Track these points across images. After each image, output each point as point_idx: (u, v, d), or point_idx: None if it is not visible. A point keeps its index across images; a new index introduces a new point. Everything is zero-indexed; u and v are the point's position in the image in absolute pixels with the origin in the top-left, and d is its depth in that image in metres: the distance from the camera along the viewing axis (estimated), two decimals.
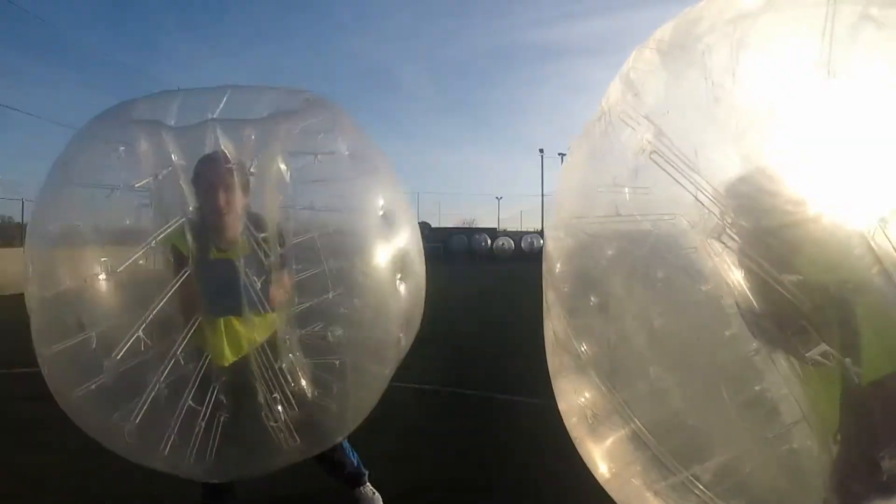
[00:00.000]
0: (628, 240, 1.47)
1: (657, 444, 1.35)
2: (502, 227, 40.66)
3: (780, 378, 1.26)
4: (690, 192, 1.25)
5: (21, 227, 13.78)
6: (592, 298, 1.56)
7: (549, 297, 1.75)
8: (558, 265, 1.71)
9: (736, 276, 1.22)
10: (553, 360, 1.76)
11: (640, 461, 1.42)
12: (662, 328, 1.43)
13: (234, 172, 1.86)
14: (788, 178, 1.18)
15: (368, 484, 2.44)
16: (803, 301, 1.08)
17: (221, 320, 1.84)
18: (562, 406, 1.72)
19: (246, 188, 1.91)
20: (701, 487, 1.30)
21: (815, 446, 1.24)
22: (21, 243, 12.74)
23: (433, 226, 36.18)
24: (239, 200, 1.89)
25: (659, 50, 1.49)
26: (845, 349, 1.08)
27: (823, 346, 1.06)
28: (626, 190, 1.43)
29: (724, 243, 1.23)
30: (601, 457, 1.58)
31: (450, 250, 32.35)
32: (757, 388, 1.28)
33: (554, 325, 1.72)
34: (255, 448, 1.86)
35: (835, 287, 1.09)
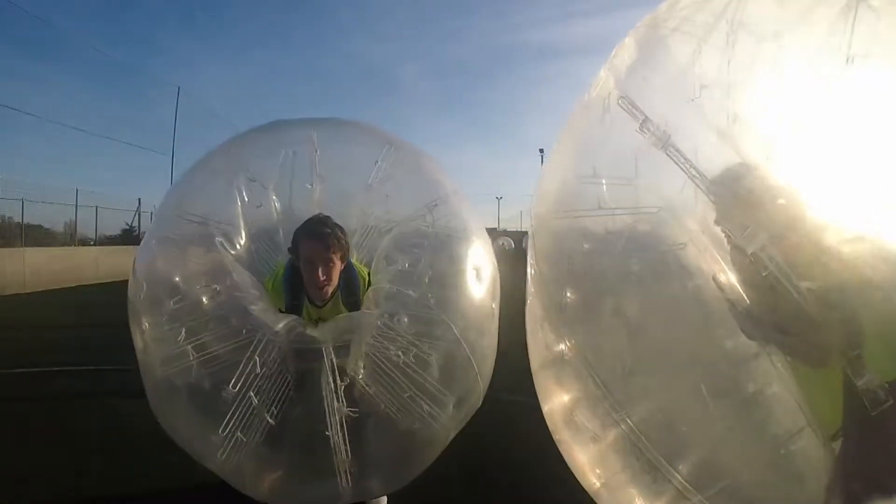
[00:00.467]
0: (608, 233, 1.40)
1: (650, 447, 1.28)
2: (502, 227, 40.66)
3: (778, 380, 1.21)
4: (695, 183, 1.20)
5: (21, 227, 13.74)
6: (569, 294, 1.48)
7: (529, 292, 1.68)
8: (538, 259, 1.64)
9: (730, 276, 1.18)
10: (535, 357, 1.69)
11: (630, 468, 1.34)
12: (646, 326, 1.37)
13: (334, 249, 1.94)
14: (786, 173, 1.12)
15: None
16: (808, 303, 1.04)
17: None
18: (545, 408, 1.65)
19: (344, 257, 2.00)
20: (696, 494, 1.23)
21: (811, 448, 1.21)
22: (21, 243, 12.77)
23: None
24: (337, 270, 1.97)
25: (637, 36, 1.44)
26: (848, 350, 1.05)
27: (872, 376, 1.01)
28: (604, 181, 1.37)
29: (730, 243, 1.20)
30: (589, 464, 1.50)
31: None
32: (752, 389, 1.24)
33: (534, 321, 1.66)
34: (306, 451, 1.85)
35: (839, 288, 1.05)
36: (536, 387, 1.69)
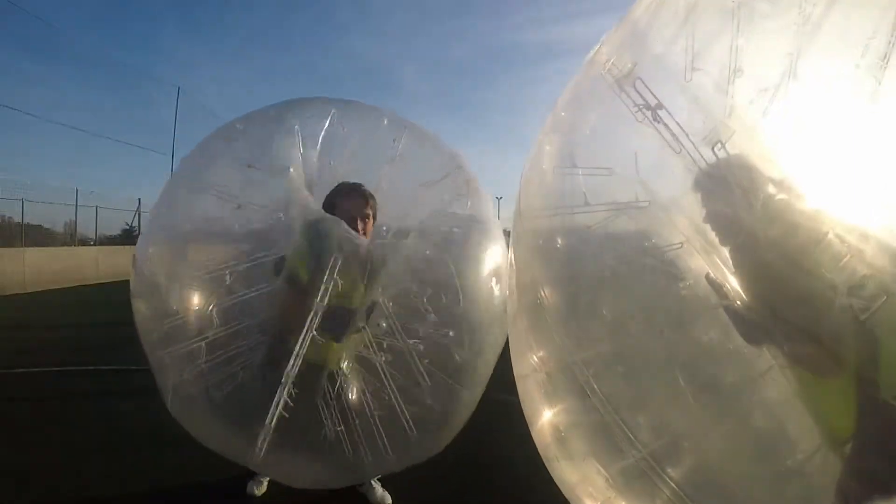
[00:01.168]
0: (595, 231, 1.29)
1: (658, 469, 1.17)
2: (502, 227, 40.51)
3: (787, 390, 1.14)
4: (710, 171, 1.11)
5: (21, 227, 13.72)
6: (544, 294, 1.37)
7: (511, 295, 1.60)
8: (513, 258, 1.56)
9: (731, 279, 1.11)
10: (517, 365, 1.59)
11: (626, 494, 1.25)
12: (640, 332, 1.27)
13: (371, 205, 2.07)
14: (791, 168, 1.06)
15: (375, 481, 2.44)
16: (822, 310, 0.99)
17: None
18: (533, 427, 1.54)
19: (374, 218, 2.12)
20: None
21: (818, 461, 1.16)
22: (21, 243, 12.75)
23: None
24: (370, 228, 2.08)
25: (631, 18, 1.35)
26: (864, 360, 1.03)
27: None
28: (587, 173, 1.29)
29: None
30: (581, 484, 1.39)
31: None
32: (755, 398, 1.18)
33: (515, 326, 1.58)
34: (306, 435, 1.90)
35: (853, 294, 0.98)
36: (520, 396, 1.60)
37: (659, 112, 1.17)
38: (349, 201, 2.08)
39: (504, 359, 2.20)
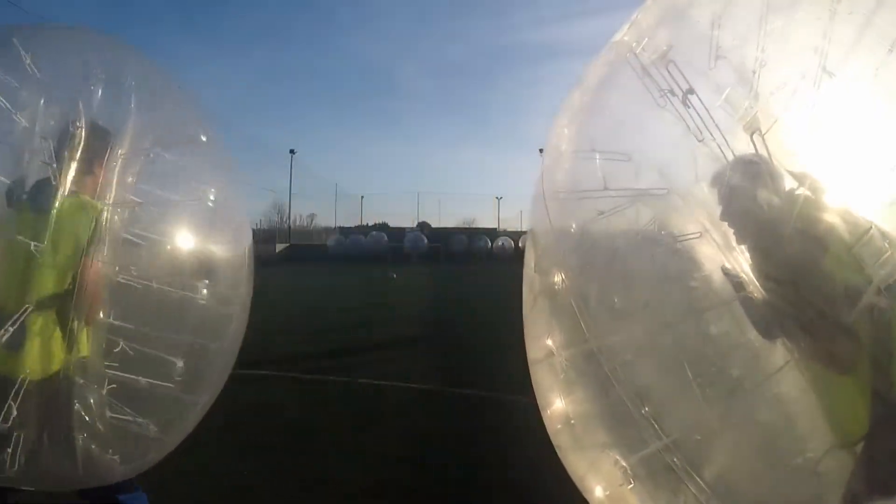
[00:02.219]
0: (605, 215, 1.27)
1: (680, 461, 1.15)
2: (502, 227, 40.56)
3: (801, 387, 1.12)
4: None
5: None
6: (564, 278, 1.35)
7: (527, 280, 1.59)
8: (530, 243, 1.55)
9: (749, 271, 1.09)
10: (532, 348, 1.57)
11: (644, 483, 1.22)
12: (655, 321, 1.24)
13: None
14: (807, 164, 1.04)
15: None
16: (847, 304, 0.97)
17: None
18: (545, 412, 1.53)
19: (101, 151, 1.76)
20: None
21: (826, 457, 1.12)
22: None
23: (433, 226, 36.17)
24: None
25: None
26: (879, 357, 1.01)
27: None
28: (598, 157, 1.27)
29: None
30: (592, 472, 1.37)
31: (450, 250, 32.31)
32: (774, 393, 1.15)
33: (530, 309, 1.56)
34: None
35: (869, 290, 0.97)
36: (533, 380, 1.58)
37: (689, 97, 1.13)
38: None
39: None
